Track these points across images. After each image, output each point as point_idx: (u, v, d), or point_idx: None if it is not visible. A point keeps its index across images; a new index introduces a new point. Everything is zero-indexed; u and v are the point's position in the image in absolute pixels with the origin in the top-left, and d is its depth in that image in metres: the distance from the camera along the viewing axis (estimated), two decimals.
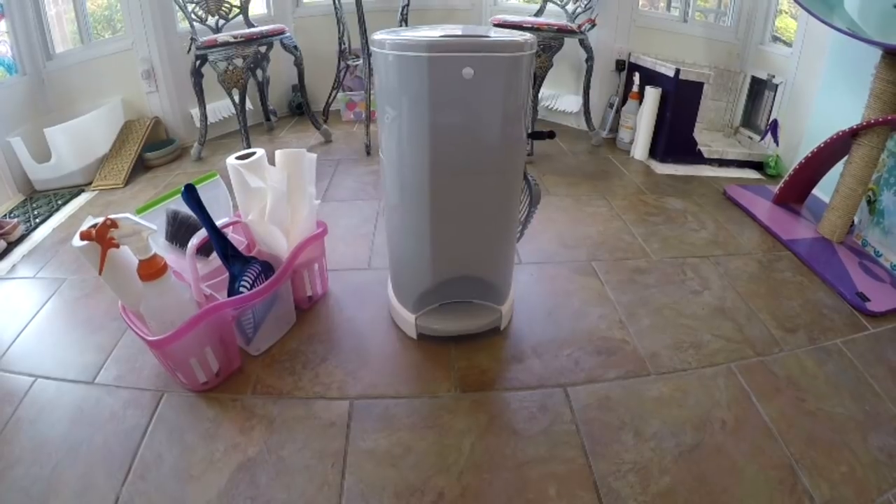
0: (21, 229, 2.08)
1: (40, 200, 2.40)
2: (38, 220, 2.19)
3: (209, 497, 1.05)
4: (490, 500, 1.05)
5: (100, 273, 1.15)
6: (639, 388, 1.32)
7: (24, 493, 1.06)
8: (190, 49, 2.52)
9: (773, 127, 2.68)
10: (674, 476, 1.10)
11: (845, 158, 1.96)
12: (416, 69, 1.09)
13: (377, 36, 1.14)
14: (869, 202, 1.98)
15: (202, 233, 1.31)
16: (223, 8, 2.88)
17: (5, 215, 2.25)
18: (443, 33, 1.11)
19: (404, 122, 1.17)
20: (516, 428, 1.20)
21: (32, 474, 1.10)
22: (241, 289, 1.32)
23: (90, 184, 2.55)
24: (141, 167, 2.74)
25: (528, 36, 1.13)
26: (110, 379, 1.35)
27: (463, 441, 1.17)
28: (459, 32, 1.16)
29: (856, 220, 2.04)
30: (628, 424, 1.22)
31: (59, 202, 2.36)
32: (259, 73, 3.12)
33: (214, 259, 1.47)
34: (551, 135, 1.41)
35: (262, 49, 2.73)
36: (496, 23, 2.63)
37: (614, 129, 3.14)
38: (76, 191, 2.50)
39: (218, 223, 1.34)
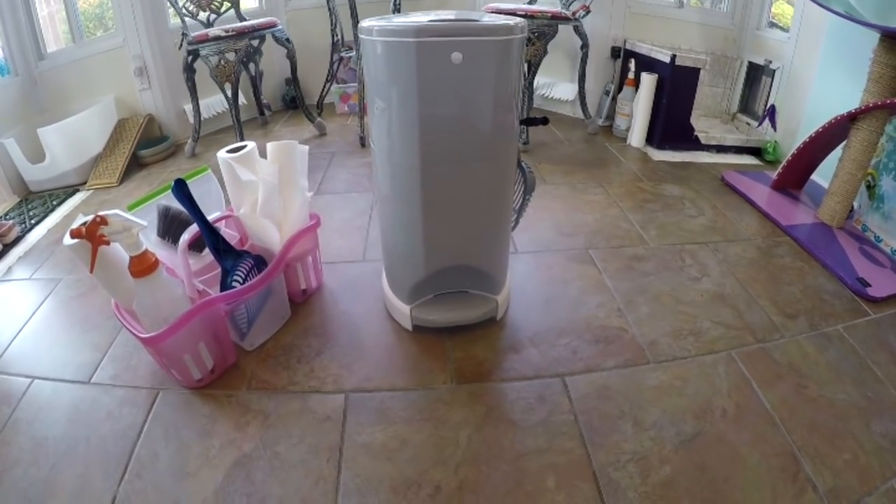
0: (16, 231, 2.07)
1: (35, 201, 2.39)
2: (33, 222, 2.18)
3: (205, 494, 1.04)
4: (488, 492, 1.04)
5: (91, 271, 1.13)
6: (638, 377, 1.31)
7: (23, 495, 1.06)
8: (181, 45, 2.51)
9: (771, 112, 2.67)
10: (674, 466, 1.09)
11: (844, 143, 1.94)
12: (403, 55, 1.07)
13: (365, 23, 1.12)
14: (868, 187, 1.96)
15: (194, 228, 1.29)
16: (214, 2, 2.85)
17: (0, 217, 2.23)
18: (431, 18, 1.10)
19: (393, 110, 1.15)
20: (514, 419, 1.19)
21: (31, 475, 1.09)
22: (234, 283, 1.31)
23: (85, 183, 2.54)
24: (135, 165, 2.73)
25: (518, 19, 1.11)
26: (106, 378, 1.34)
27: (460, 433, 1.16)
28: (450, 18, 1.14)
29: (855, 205, 2.03)
30: (627, 414, 1.21)
31: (54, 202, 2.35)
32: (252, 67, 3.10)
33: (207, 254, 1.46)
34: (544, 121, 1.40)
35: (254, 43, 2.72)
36: (490, 10, 2.61)
37: (610, 116, 3.13)
38: (71, 191, 2.49)
39: (210, 217, 1.33)
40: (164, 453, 1.13)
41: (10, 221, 2.09)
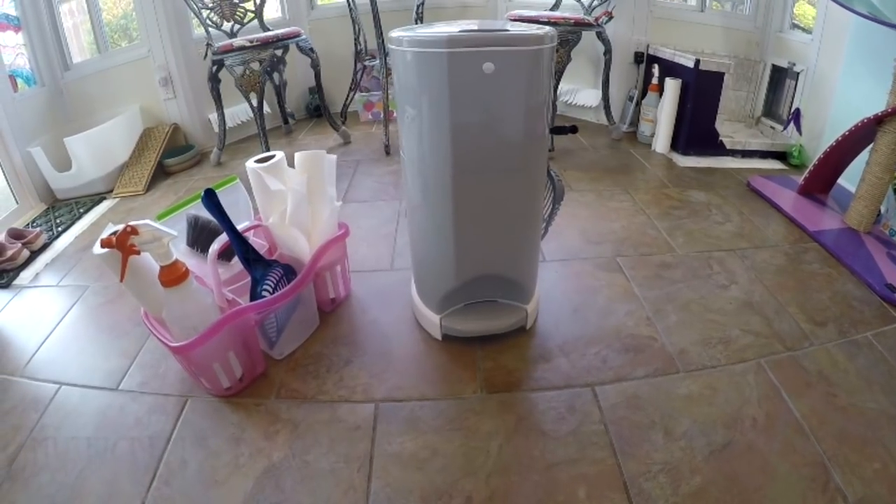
0: (43, 238, 2.10)
1: (62, 209, 2.42)
2: (60, 229, 2.21)
3: (235, 502, 1.05)
4: (519, 502, 1.04)
5: (121, 280, 1.15)
6: (668, 386, 1.30)
7: (50, 500, 1.07)
8: (206, 55, 2.54)
9: (796, 116, 2.64)
10: (705, 476, 1.08)
11: (870, 146, 1.91)
12: (435, 65, 1.07)
13: (394, 34, 1.13)
14: (895, 191, 1.94)
15: (223, 237, 1.30)
16: (238, 13, 2.89)
17: (28, 225, 2.27)
18: (461, 29, 1.10)
19: (424, 120, 1.15)
20: (544, 429, 1.19)
21: (58, 481, 1.10)
22: (264, 293, 1.31)
23: (111, 191, 2.58)
24: (161, 173, 2.76)
25: (548, 29, 1.11)
26: (134, 385, 1.36)
27: (490, 443, 1.15)
28: (477, 28, 1.14)
29: (882, 209, 1.99)
30: (658, 423, 1.20)
31: (81, 210, 2.38)
32: (276, 76, 3.13)
33: (236, 264, 1.47)
34: (574, 129, 1.39)
35: (279, 52, 2.73)
36: (512, 18, 2.61)
37: (634, 122, 3.11)
38: (97, 199, 2.52)
39: (239, 227, 1.34)
40: (192, 461, 1.14)
41: (38, 229, 2.12)
